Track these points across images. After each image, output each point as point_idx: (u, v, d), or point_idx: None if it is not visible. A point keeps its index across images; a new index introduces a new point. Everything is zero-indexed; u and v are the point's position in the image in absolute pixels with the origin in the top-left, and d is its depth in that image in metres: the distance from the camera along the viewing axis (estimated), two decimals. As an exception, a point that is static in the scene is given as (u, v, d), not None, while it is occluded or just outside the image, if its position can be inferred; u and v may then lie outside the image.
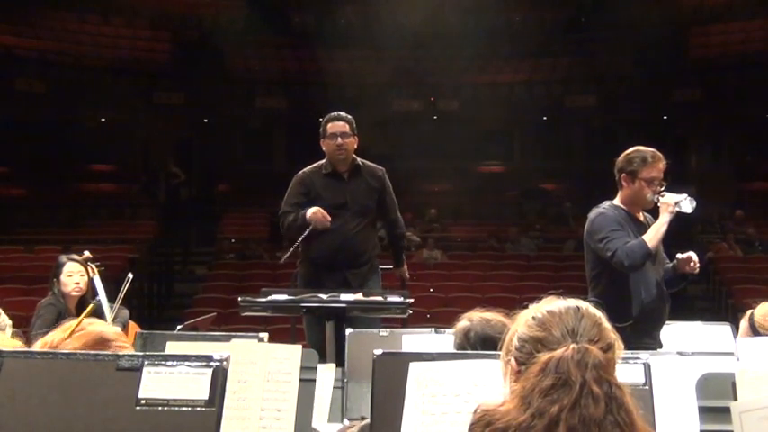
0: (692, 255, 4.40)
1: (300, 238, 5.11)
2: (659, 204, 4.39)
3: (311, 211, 5.12)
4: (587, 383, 1.57)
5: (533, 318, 1.73)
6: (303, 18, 20.28)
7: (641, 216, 4.53)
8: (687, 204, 4.37)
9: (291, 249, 5.13)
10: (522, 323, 1.75)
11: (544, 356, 1.64)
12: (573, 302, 1.74)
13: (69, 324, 2.14)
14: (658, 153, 4.46)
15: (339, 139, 5.23)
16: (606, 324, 1.71)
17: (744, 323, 3.86)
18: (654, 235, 4.33)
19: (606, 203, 4.52)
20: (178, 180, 16.38)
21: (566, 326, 1.68)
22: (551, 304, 1.74)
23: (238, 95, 18.49)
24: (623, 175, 4.43)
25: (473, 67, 18.74)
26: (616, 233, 4.34)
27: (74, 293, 5.24)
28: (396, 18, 17.86)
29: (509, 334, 1.77)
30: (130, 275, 5.46)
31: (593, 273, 4.48)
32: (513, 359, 1.72)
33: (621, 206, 4.48)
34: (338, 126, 5.26)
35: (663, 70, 17.77)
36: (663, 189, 4.41)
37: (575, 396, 1.56)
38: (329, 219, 5.13)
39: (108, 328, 2.22)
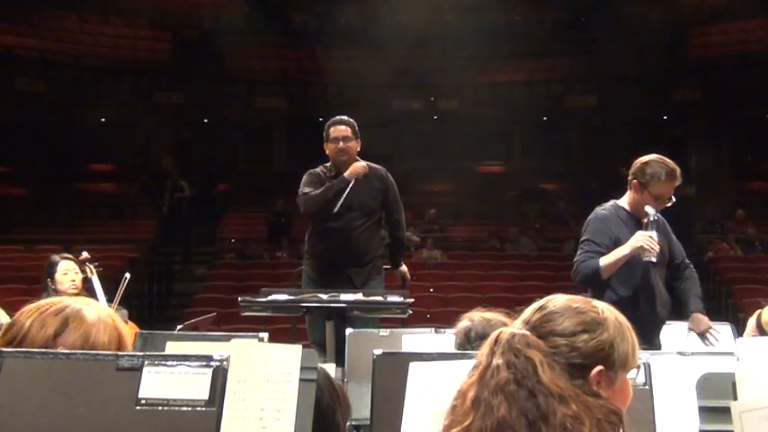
0: (713, 332, 4.21)
1: (347, 190, 5.23)
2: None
3: (349, 171, 5.26)
4: (494, 359, 1.65)
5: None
6: (303, 18, 20.30)
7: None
8: (650, 257, 4.18)
9: (341, 198, 5.24)
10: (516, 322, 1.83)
11: None
12: (551, 296, 1.80)
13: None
14: (676, 171, 4.28)
15: (341, 143, 5.29)
16: (581, 316, 1.73)
17: (752, 322, 3.87)
18: (611, 261, 4.20)
19: (610, 203, 4.45)
20: (183, 195, 16.17)
21: (523, 316, 1.77)
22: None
23: (238, 95, 18.50)
24: (634, 181, 4.32)
25: (473, 67, 18.74)
26: (591, 245, 4.27)
27: (70, 291, 5.19)
28: (396, 18, 17.87)
29: None
30: (127, 275, 5.45)
31: None
32: None
33: (625, 207, 4.40)
34: (340, 130, 5.32)
35: (663, 70, 17.79)
36: (671, 204, 4.31)
37: (480, 371, 1.65)
38: (363, 166, 5.28)
39: (74, 300, 2.10)
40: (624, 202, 4.43)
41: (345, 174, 5.27)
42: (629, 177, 4.36)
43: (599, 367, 1.69)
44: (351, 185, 5.28)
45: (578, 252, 4.33)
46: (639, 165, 4.31)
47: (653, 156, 4.34)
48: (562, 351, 1.68)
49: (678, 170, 4.29)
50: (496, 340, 1.68)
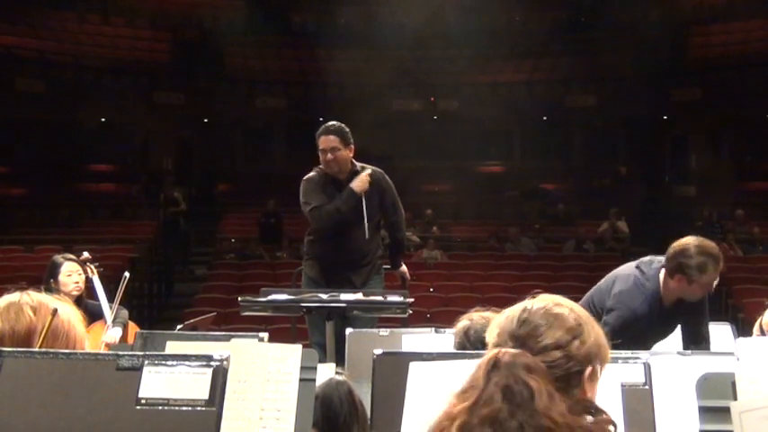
0: None
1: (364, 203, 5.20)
2: None
3: (356, 182, 5.20)
4: (490, 385, 1.59)
5: (496, 324, 1.78)
6: (303, 18, 20.31)
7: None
8: None
9: (362, 215, 5.21)
10: (489, 329, 1.80)
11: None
12: (527, 303, 1.76)
13: None
14: (719, 259, 4.02)
15: (329, 155, 5.21)
16: (566, 323, 1.71)
17: (757, 323, 3.88)
18: None
19: (653, 283, 4.07)
20: (177, 208, 15.95)
21: (509, 330, 1.72)
22: (515, 306, 1.78)
23: (238, 95, 18.50)
24: (678, 275, 4.00)
25: (473, 67, 18.75)
26: (612, 333, 4.02)
27: (74, 293, 5.17)
28: (396, 18, 17.88)
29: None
30: (127, 274, 5.44)
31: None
32: None
33: (660, 291, 4.08)
34: (328, 141, 5.21)
35: (663, 70, 17.78)
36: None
37: (475, 397, 1.59)
38: (366, 176, 5.22)
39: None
40: (660, 286, 4.10)
41: (354, 188, 5.18)
42: (669, 265, 4.02)
43: (589, 368, 1.68)
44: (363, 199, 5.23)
45: (608, 324, 3.97)
46: (684, 254, 3.98)
47: (694, 242, 4.02)
48: (560, 363, 1.66)
49: (719, 258, 4.04)
50: (494, 363, 1.62)
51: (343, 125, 5.28)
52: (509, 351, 1.65)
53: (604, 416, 1.64)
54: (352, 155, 5.30)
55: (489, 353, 1.66)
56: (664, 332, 4.17)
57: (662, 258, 4.14)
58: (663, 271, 4.07)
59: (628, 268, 4.26)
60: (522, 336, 1.70)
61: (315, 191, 5.30)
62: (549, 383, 1.61)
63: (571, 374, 1.67)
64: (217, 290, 12.18)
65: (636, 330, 4.01)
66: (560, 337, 1.69)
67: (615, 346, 2.10)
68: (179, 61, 18.70)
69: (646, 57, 17.53)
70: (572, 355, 1.68)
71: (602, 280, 4.33)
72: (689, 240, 4.03)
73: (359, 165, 5.39)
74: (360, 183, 5.20)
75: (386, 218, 5.50)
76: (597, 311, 4.11)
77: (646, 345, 4.08)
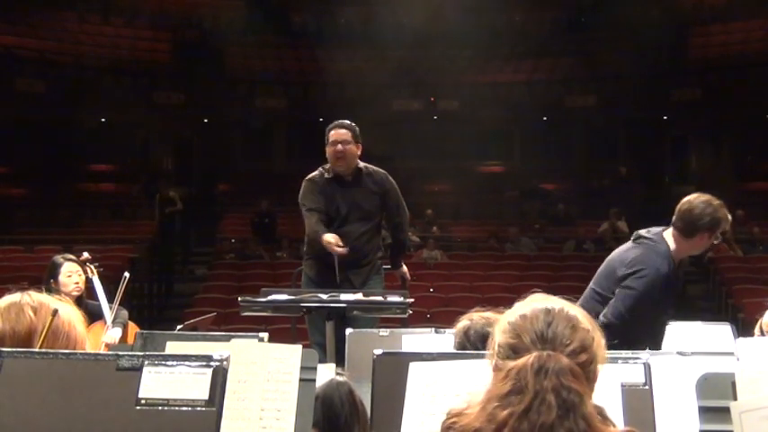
0: None
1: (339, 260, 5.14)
2: None
3: (326, 239, 5.11)
4: (542, 391, 1.56)
5: (508, 323, 1.73)
6: (303, 18, 20.31)
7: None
8: None
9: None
10: (498, 328, 1.75)
11: (509, 364, 1.63)
12: (546, 304, 1.73)
13: None
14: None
15: (339, 146, 5.27)
16: (584, 324, 1.70)
17: (758, 324, 3.89)
18: None
19: (662, 248, 4.09)
20: (174, 208, 15.57)
21: (535, 331, 1.68)
22: (527, 306, 1.74)
23: (238, 95, 18.51)
24: (703, 232, 4.02)
25: (473, 67, 18.75)
26: (642, 302, 3.94)
27: (74, 293, 5.17)
28: (396, 18, 17.88)
29: (490, 338, 1.77)
30: (126, 274, 5.45)
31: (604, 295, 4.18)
32: (493, 363, 1.71)
33: (672, 253, 4.10)
34: (340, 134, 5.29)
35: (663, 70, 17.80)
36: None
37: (527, 403, 1.56)
38: (341, 248, 5.10)
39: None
40: (673, 248, 4.11)
41: (330, 247, 5.06)
42: (691, 226, 4.02)
43: (598, 368, 1.67)
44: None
45: (634, 288, 4.03)
46: (708, 212, 4.00)
47: (701, 198, 4.07)
48: (586, 365, 1.65)
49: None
50: (541, 367, 1.60)
51: (353, 124, 5.38)
52: (551, 354, 1.62)
53: (613, 427, 1.63)
54: (359, 153, 5.36)
55: (530, 355, 1.62)
56: (670, 301, 4.18)
57: (657, 228, 4.20)
58: (669, 233, 4.13)
59: (627, 244, 4.29)
60: (551, 338, 1.66)
61: (313, 192, 5.32)
62: (587, 388, 1.60)
63: (590, 377, 1.65)
64: (217, 290, 12.18)
65: (657, 295, 4.02)
66: (584, 339, 1.66)
67: (614, 347, 2.11)
68: (179, 61, 18.71)
69: (646, 57, 17.54)
70: (593, 357, 1.66)
71: (600, 267, 4.33)
72: (697, 199, 4.07)
73: (362, 164, 5.42)
74: (339, 251, 5.08)
75: (389, 219, 5.52)
76: (603, 297, 4.15)
77: (665, 312, 4.15)
